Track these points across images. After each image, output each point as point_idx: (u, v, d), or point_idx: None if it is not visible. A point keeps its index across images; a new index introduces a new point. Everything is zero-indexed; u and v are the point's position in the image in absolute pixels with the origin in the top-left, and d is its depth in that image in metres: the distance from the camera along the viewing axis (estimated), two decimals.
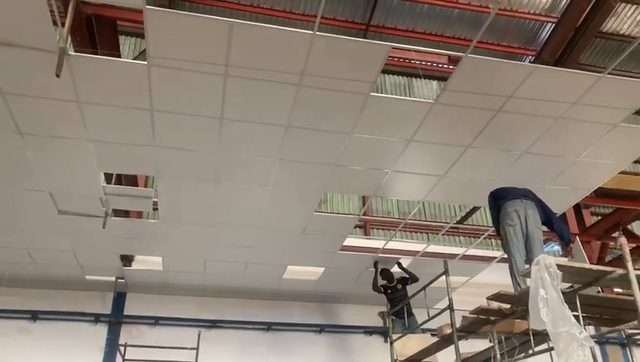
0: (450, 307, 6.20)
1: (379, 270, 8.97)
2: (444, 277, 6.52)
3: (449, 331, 6.30)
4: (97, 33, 5.58)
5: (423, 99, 5.39)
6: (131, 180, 7.78)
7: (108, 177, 7.36)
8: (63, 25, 4.53)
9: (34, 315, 9.38)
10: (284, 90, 5.11)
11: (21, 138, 5.66)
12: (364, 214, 11.27)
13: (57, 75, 4.50)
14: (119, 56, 6.46)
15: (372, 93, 5.17)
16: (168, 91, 5.12)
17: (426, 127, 5.63)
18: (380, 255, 8.88)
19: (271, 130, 5.69)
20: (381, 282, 8.98)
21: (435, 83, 12.24)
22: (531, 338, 5.03)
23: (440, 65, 10.18)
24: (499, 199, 5.67)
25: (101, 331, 9.64)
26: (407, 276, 8.86)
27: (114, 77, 4.95)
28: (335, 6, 10.14)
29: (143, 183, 9.46)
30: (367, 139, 5.86)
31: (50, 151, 5.91)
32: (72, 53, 4.70)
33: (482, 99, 5.34)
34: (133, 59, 5.13)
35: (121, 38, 10.80)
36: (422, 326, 7.69)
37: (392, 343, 7.59)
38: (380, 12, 10.22)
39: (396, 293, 8.71)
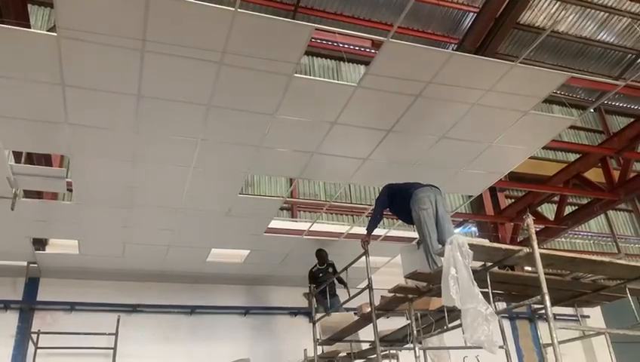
0: (369, 286, 6.35)
1: (317, 251, 8.99)
2: (364, 257, 6.66)
3: (368, 309, 6.47)
4: (8, 2, 5.16)
5: (346, 83, 5.43)
6: (45, 159, 7.33)
7: (17, 156, 6.90)
8: None
9: None
10: (205, 68, 4.97)
11: None
12: (291, 196, 11.33)
13: None
14: (29, 27, 6.04)
15: (296, 75, 5.14)
16: (80, 66, 4.85)
17: (349, 110, 5.69)
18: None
19: (191, 109, 5.54)
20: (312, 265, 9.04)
21: (362, 67, 12.36)
22: (445, 314, 5.25)
23: (364, 50, 10.30)
24: (403, 190, 5.92)
25: (11, 318, 9.10)
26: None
27: (21, 48, 4.62)
28: None
29: (58, 163, 8.96)
30: (291, 121, 5.84)
31: None
32: None
33: (403, 83, 5.46)
34: (47, 32, 4.80)
35: (32, 8, 10.09)
36: (344, 306, 7.86)
37: (314, 323, 7.70)
38: None
39: (325, 276, 8.78)
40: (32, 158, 7.02)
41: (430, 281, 5.27)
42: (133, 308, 9.66)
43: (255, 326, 10.41)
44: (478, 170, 7.30)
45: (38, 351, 8.70)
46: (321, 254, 8.95)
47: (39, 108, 5.35)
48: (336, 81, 5.42)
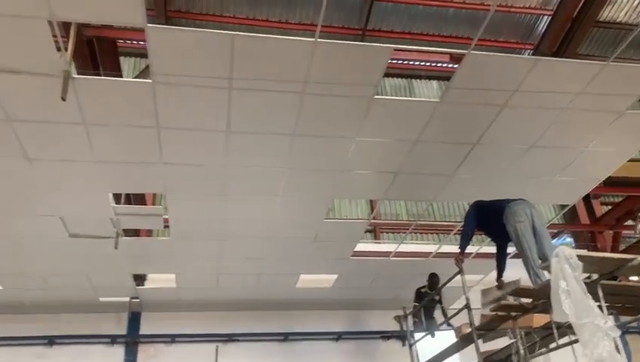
0: (467, 306, 6.14)
1: (431, 275, 8.71)
2: (459, 276, 6.47)
3: (468, 330, 6.25)
4: (99, 54, 5.60)
5: (427, 99, 5.38)
6: (140, 199, 7.79)
7: (116, 197, 7.37)
8: (65, 49, 4.55)
9: (50, 340, 9.38)
10: (289, 99, 5.11)
11: (29, 164, 5.68)
12: (374, 218, 11.27)
13: (63, 99, 4.51)
14: (121, 76, 6.51)
15: (376, 96, 5.17)
16: (173, 108, 5.13)
17: (432, 126, 5.62)
18: None
19: (277, 140, 5.69)
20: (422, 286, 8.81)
21: (435, 83, 12.24)
22: (555, 331, 4.98)
23: (441, 65, 10.16)
24: (494, 205, 5.75)
25: (118, 352, 9.63)
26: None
27: (118, 97, 4.97)
28: (330, 13, 10.13)
29: (151, 201, 9.49)
30: (373, 142, 5.85)
31: (58, 176, 5.92)
32: (76, 75, 4.73)
33: (487, 94, 5.33)
34: (140, 79, 5.17)
35: (121, 59, 10.86)
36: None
37: (411, 346, 7.54)
38: (375, 16, 10.20)
39: (429, 301, 8.39)
40: (129, 199, 7.48)
41: (535, 297, 5.04)
42: (229, 338, 9.92)
43: (348, 352, 10.35)
44: (571, 177, 6.93)
45: None
46: (433, 280, 8.60)
47: (137, 150, 5.70)
48: (418, 99, 5.36)
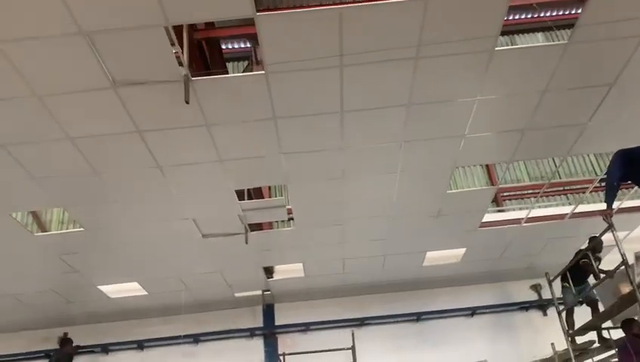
0: (624, 262, 5.57)
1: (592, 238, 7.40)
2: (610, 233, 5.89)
3: (627, 289, 5.68)
4: (209, 57, 5.73)
5: (554, 42, 4.90)
6: (258, 193, 7.95)
7: (239, 194, 7.60)
8: (182, 53, 4.69)
9: (195, 339, 9.94)
10: (402, 66, 4.91)
11: (161, 172, 5.99)
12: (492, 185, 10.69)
13: (187, 102, 4.67)
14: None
15: (497, 48, 4.80)
16: (287, 96, 5.13)
17: (561, 72, 5.12)
18: None
19: (392, 112, 5.51)
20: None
21: (539, 35, 11.35)
22: None
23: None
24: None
25: (258, 344, 9.99)
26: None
27: (235, 93, 5.05)
28: None
29: (267, 194, 9.72)
30: (495, 100, 5.46)
31: (188, 179, 6.18)
32: (193, 78, 4.86)
33: (622, 26, 4.74)
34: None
35: None
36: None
37: (560, 313, 7.02)
38: None
39: (584, 264, 7.28)
40: (250, 194, 7.65)
41: None
42: (362, 322, 9.91)
43: (484, 326, 9.93)
44: None
45: None
46: (597, 241, 7.08)
47: (256, 144, 5.79)
48: (544, 43, 4.90)
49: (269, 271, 9.57)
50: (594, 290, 7.24)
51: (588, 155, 11.05)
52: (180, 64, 4.69)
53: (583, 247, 7.63)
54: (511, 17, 9.64)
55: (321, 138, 5.78)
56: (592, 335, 7.47)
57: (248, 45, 10.02)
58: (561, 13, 9.24)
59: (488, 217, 8.34)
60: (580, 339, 7.52)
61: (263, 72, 4.83)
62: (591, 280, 7.34)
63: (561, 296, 7.60)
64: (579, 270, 7.22)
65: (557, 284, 7.76)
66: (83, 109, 4.97)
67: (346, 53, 4.68)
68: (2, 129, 5.09)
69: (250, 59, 8.21)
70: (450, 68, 4.97)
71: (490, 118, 5.73)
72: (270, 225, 9.03)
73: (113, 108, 4.99)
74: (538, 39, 11.28)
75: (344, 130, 5.66)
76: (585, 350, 7.48)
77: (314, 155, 6.04)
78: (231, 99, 5.11)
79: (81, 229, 7.06)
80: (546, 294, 9.91)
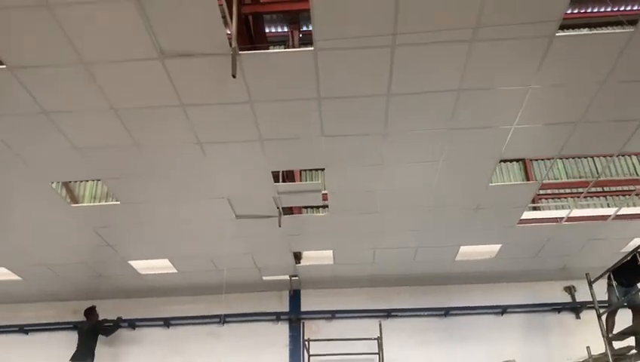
0: None
1: None
2: None
3: None
4: (253, 32, 5.64)
5: (619, 30, 4.66)
6: (291, 176, 7.85)
7: (274, 176, 7.51)
8: (231, 25, 4.59)
9: (221, 319, 9.92)
10: (455, 50, 4.72)
11: (201, 149, 5.93)
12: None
13: (233, 76, 4.57)
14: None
15: (557, 34, 4.58)
16: (334, 75, 4.99)
17: (624, 61, 4.87)
18: None
19: (440, 98, 5.33)
20: None
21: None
22: None
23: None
24: None
25: (283, 329, 9.95)
26: None
27: (281, 70, 4.94)
28: None
29: (299, 178, 9.65)
30: (550, 90, 5.24)
31: (227, 158, 6.12)
32: (241, 52, 4.76)
33: None
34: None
35: None
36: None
37: (599, 316, 6.79)
38: None
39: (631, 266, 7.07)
40: (284, 176, 7.56)
41: None
42: (388, 314, 9.79)
43: (514, 326, 9.72)
44: None
45: (310, 358, 9.34)
46: None
47: (299, 125, 5.68)
48: (608, 31, 4.67)
49: (297, 257, 9.51)
50: None
51: (631, 157, 10.71)
52: (229, 37, 4.59)
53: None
54: (576, 11, 9.26)
55: (364, 122, 5.64)
56: (630, 341, 7.24)
57: (285, 30, 9.94)
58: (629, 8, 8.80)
59: (526, 215, 8.11)
60: (616, 344, 7.29)
61: (312, 48, 4.71)
62: None
63: (607, 296, 7.30)
64: (629, 270, 6.92)
65: (597, 287, 7.52)
66: (128, 79, 4.92)
67: (399, 32, 4.52)
68: (47, 95, 5.09)
69: (287, 44, 8.12)
70: (506, 53, 4.77)
71: (542, 108, 5.50)
72: (299, 211, 8.95)
73: (159, 80, 4.93)
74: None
75: (389, 114, 5.51)
76: (622, 356, 7.25)
77: (356, 139, 5.91)
78: (277, 75, 5.00)
79: (117, 203, 7.07)
80: (580, 297, 9.71)
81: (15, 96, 5.03)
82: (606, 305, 7.33)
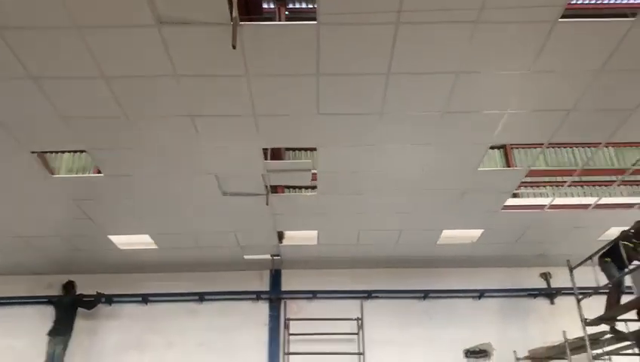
0: None
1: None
2: None
3: None
4: (250, 3, 5.49)
5: (620, 19, 4.69)
6: (278, 154, 7.74)
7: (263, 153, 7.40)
8: None
9: (201, 297, 9.88)
10: (459, 30, 4.68)
11: (192, 122, 5.79)
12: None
13: (233, 47, 4.44)
14: None
15: (560, 19, 4.58)
16: (335, 51, 4.90)
17: (622, 51, 4.91)
18: None
19: (439, 79, 5.30)
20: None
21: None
22: None
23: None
24: None
25: (263, 308, 9.93)
26: None
27: (281, 43, 4.82)
28: None
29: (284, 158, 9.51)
30: (547, 75, 5.25)
31: (218, 132, 5.99)
32: (242, 23, 4.63)
33: None
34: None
35: None
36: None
37: (579, 301, 6.95)
38: None
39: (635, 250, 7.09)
40: (273, 154, 7.44)
41: None
42: (369, 295, 9.86)
43: (491, 310, 9.91)
44: None
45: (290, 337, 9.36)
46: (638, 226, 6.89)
47: (294, 102, 5.58)
48: (609, 19, 4.69)
49: (279, 237, 9.45)
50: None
51: (608, 150, 10.91)
52: (230, 6, 4.45)
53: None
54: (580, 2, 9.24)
55: (362, 101, 5.58)
56: (603, 327, 7.44)
57: (272, 6, 9.75)
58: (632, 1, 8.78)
59: (509, 202, 8.21)
60: (589, 330, 7.46)
61: (315, 22, 4.60)
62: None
63: (603, 273, 7.29)
64: (616, 254, 6.99)
65: (576, 273, 7.69)
66: (122, 46, 4.74)
67: (405, 9, 4.45)
68: (34, 59, 4.86)
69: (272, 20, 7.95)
70: (508, 36, 4.75)
71: (538, 94, 5.53)
72: (282, 191, 8.87)
73: (154, 48, 4.77)
74: None
75: (387, 94, 5.46)
76: (596, 340, 7.45)
77: (351, 118, 5.85)
78: (276, 48, 4.88)
79: (101, 175, 6.88)
80: (555, 283, 9.94)
81: (0, 58, 4.80)
82: (585, 291, 7.48)
